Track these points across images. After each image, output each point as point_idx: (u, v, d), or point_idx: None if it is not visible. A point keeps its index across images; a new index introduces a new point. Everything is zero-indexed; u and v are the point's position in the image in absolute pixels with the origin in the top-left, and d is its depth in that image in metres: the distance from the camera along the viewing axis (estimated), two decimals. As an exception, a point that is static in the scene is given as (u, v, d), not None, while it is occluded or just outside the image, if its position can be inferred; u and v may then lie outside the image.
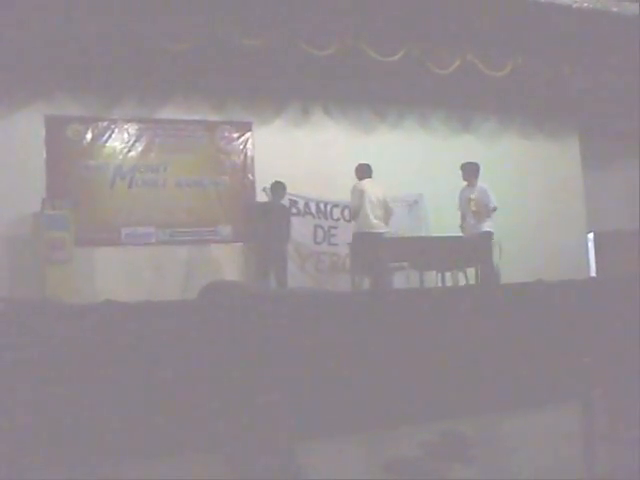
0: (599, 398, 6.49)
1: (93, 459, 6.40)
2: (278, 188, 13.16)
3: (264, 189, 13.44)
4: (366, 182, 12.58)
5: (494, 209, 12.46)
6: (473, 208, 12.49)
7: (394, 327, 8.07)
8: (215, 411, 6.95)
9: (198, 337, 7.38)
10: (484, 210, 12.36)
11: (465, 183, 12.94)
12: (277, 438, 6.32)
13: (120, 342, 7.10)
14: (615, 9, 12.40)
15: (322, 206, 14.36)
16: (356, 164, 12.79)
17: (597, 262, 16.14)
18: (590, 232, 16.28)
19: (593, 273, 15.95)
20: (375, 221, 12.28)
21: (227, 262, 13.49)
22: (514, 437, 6.97)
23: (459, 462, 6.11)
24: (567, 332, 8.92)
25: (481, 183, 12.69)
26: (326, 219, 14.34)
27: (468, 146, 15.65)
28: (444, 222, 14.21)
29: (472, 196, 12.55)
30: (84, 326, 7.12)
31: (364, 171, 12.75)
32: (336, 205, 14.38)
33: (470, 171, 12.83)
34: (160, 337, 7.26)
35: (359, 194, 12.38)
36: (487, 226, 12.46)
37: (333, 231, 14.37)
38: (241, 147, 14.08)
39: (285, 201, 13.68)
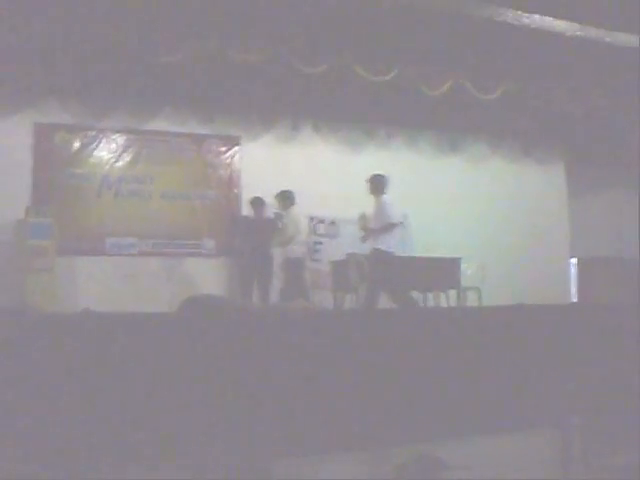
0: (578, 424, 6.50)
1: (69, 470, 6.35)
2: (258, 203, 13.17)
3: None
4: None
5: (393, 225, 11.81)
6: (369, 224, 12.01)
7: (371, 347, 8.04)
8: (190, 427, 6.90)
9: (176, 350, 7.33)
10: (379, 226, 11.78)
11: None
12: (254, 456, 6.29)
13: (98, 353, 7.04)
14: (607, 39, 12.43)
15: (308, 221, 14.31)
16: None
17: (579, 288, 16.17)
18: (574, 258, 16.32)
19: (575, 299, 15.99)
20: None
21: (210, 276, 13.43)
22: (491, 461, 6.94)
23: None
24: (548, 357, 8.91)
25: (386, 197, 11.95)
26: (311, 235, 14.29)
27: (456, 168, 15.73)
28: (430, 243, 14.24)
29: (370, 211, 12.06)
30: (62, 335, 7.06)
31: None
32: (321, 221, 14.38)
33: (374, 184, 12.06)
34: (138, 349, 7.21)
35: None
36: (382, 243, 11.69)
37: (318, 247, 14.33)
38: (228, 161, 14.05)
39: (271, 215, 13.65)
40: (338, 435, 7.43)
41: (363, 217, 12.02)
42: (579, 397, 7.76)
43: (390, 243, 11.75)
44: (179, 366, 7.17)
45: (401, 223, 12.35)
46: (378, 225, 11.74)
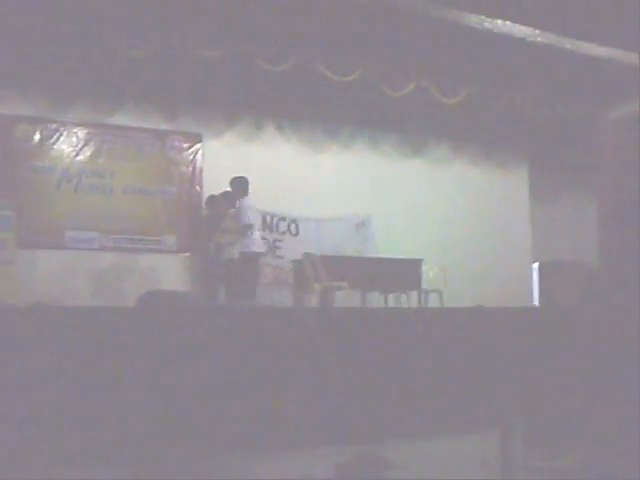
0: (519, 426, 6.54)
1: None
2: (213, 201, 13.35)
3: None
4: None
5: (247, 227, 12.25)
6: (229, 226, 12.49)
7: (320, 346, 8.06)
8: (137, 422, 6.90)
9: (131, 345, 7.32)
10: (237, 228, 12.25)
11: None
12: (192, 451, 6.30)
13: (49, 346, 7.02)
14: (568, 46, 12.52)
15: (268, 219, 14.29)
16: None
17: (540, 291, 16.25)
18: (535, 262, 16.40)
19: (536, 302, 16.07)
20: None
21: (171, 272, 13.41)
22: (432, 462, 6.97)
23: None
24: (498, 360, 8.95)
25: (246, 199, 12.47)
26: (271, 232, 14.29)
27: (418, 170, 15.78)
28: (392, 244, 14.30)
29: (230, 213, 12.58)
30: (14, 328, 7.04)
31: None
32: (283, 218, 14.38)
33: (235, 187, 12.64)
34: (91, 343, 7.20)
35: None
36: (244, 246, 12.28)
37: (278, 244, 14.33)
38: (190, 158, 14.00)
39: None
40: (276, 432, 7.46)
41: (229, 219, 12.50)
42: (520, 398, 7.82)
43: (248, 244, 12.24)
44: (135, 361, 7.18)
45: (252, 226, 12.37)
46: (238, 227, 12.22)
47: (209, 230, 13.11)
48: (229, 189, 12.80)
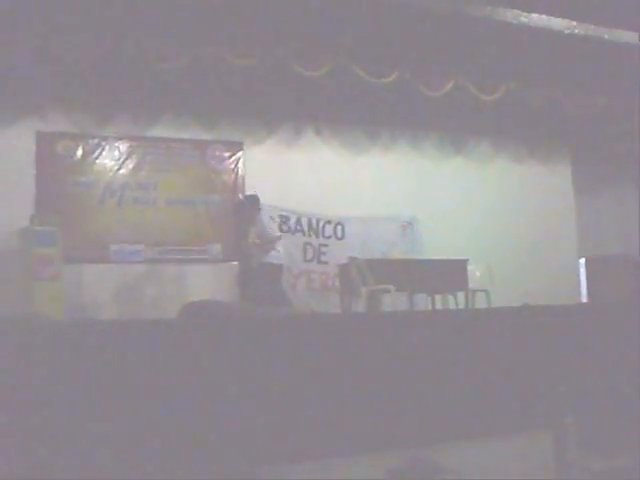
0: (572, 427, 6.46)
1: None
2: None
3: None
4: None
5: (278, 238, 12.45)
6: (256, 240, 12.47)
7: (369, 351, 8.02)
8: (186, 434, 6.91)
9: (177, 357, 7.33)
10: (264, 241, 12.28)
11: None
12: (242, 462, 6.30)
13: (100, 360, 7.06)
14: (606, 36, 12.40)
15: (314, 222, 14.30)
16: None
17: (588, 288, 16.09)
18: (582, 257, 16.25)
19: (584, 299, 15.91)
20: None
21: (216, 281, 13.43)
22: (484, 464, 6.91)
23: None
24: (548, 359, 8.86)
25: (262, 214, 12.68)
26: (317, 237, 14.29)
27: (460, 169, 15.72)
28: (437, 244, 14.23)
29: (253, 229, 12.57)
30: (66, 343, 7.08)
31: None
32: (328, 222, 14.37)
33: (249, 205, 12.80)
34: (140, 356, 7.22)
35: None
36: (272, 257, 12.26)
37: (323, 249, 14.32)
38: (232, 166, 14.04)
39: (276, 218, 13.76)
40: (332, 440, 7.43)
41: (251, 235, 12.49)
42: (574, 398, 7.74)
43: (277, 256, 12.28)
44: (183, 372, 7.19)
45: (280, 237, 12.56)
46: (263, 240, 12.24)
47: (238, 237, 13.16)
48: (253, 193, 12.93)
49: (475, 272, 13.29)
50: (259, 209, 12.50)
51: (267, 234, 12.16)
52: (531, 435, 7.53)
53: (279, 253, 12.22)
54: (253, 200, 12.61)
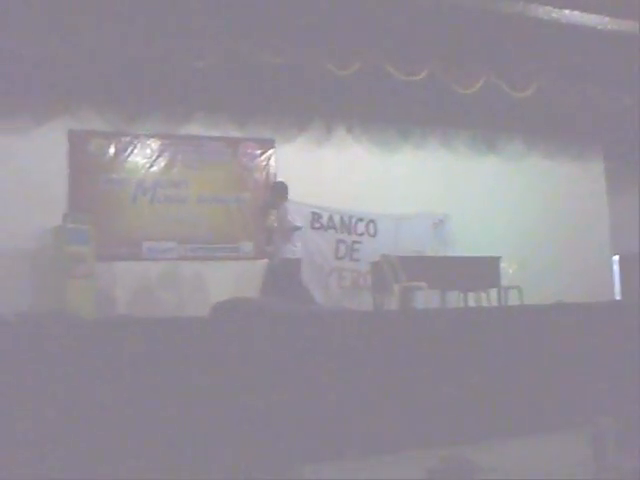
0: (609, 426, 6.40)
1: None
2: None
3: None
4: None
5: (295, 228, 12.00)
6: (274, 224, 12.37)
7: (404, 349, 8.01)
8: (222, 432, 6.92)
9: (212, 354, 7.35)
10: (282, 231, 12.01)
11: None
12: (282, 460, 6.30)
13: (134, 357, 7.09)
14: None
15: (346, 219, 14.24)
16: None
17: (622, 285, 16.04)
18: (615, 254, 16.18)
19: (618, 296, 15.85)
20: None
21: (248, 279, 13.44)
22: (521, 463, 6.86)
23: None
24: (584, 356, 8.81)
25: (287, 204, 12.23)
26: (349, 234, 14.25)
27: (492, 167, 15.68)
28: (469, 241, 14.19)
29: (274, 214, 12.36)
30: (99, 341, 7.12)
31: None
32: (361, 219, 14.31)
33: (275, 191, 12.50)
34: (173, 353, 7.25)
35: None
36: (288, 251, 11.98)
37: (356, 246, 14.27)
38: (263, 164, 14.10)
39: (308, 215, 13.77)
40: (368, 439, 7.42)
41: (270, 219, 12.37)
42: (612, 396, 7.67)
43: (294, 250, 11.98)
44: (216, 369, 7.21)
45: (300, 227, 12.22)
46: (282, 227, 11.99)
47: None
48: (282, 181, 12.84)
49: (508, 269, 13.24)
50: (285, 197, 12.29)
51: (287, 222, 11.91)
52: (568, 434, 7.48)
53: (297, 248, 12.03)
54: (280, 187, 12.48)
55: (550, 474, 6.42)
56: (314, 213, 13.84)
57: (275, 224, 12.35)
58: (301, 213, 13.34)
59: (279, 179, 13.29)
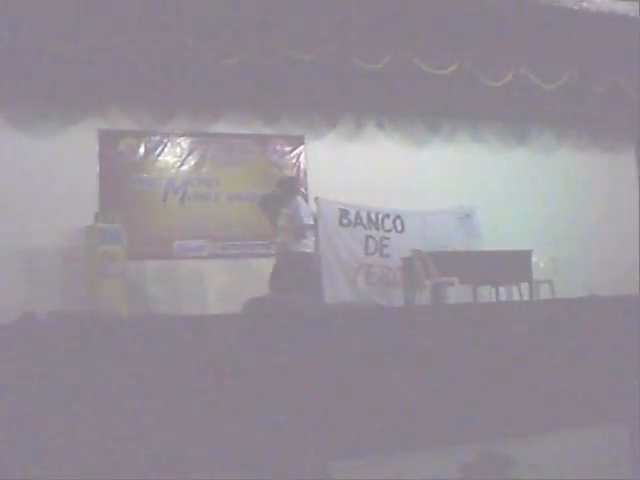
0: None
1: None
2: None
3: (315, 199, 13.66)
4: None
5: (305, 227, 11.65)
6: (287, 224, 11.90)
7: (437, 344, 7.99)
8: (249, 427, 6.93)
9: (244, 351, 7.37)
10: (292, 228, 11.67)
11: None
12: (311, 456, 6.29)
13: (166, 356, 7.11)
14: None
15: (373, 216, 14.23)
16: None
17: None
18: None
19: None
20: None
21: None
22: (557, 459, 6.82)
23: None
24: (619, 350, 8.76)
25: (299, 199, 11.98)
26: (377, 230, 14.23)
27: (523, 160, 15.61)
28: (500, 235, 14.14)
29: (285, 212, 11.94)
30: (134, 338, 7.15)
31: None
32: (387, 215, 14.30)
33: (284, 187, 12.25)
34: (205, 350, 7.27)
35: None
36: (304, 246, 11.65)
37: (385, 242, 14.25)
38: (294, 161, 14.11)
39: (336, 211, 13.81)
40: (403, 435, 7.41)
41: (281, 217, 11.95)
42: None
43: (306, 244, 11.71)
44: (247, 366, 7.22)
45: (312, 225, 11.96)
46: (293, 227, 11.68)
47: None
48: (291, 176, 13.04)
49: (539, 263, 13.18)
50: (296, 193, 12.19)
51: (299, 219, 11.64)
52: (605, 429, 7.44)
53: (309, 242, 11.82)
54: (290, 182, 12.42)
55: (586, 470, 6.38)
56: (342, 210, 13.84)
57: (284, 222, 11.96)
58: (329, 210, 13.55)
59: (310, 175, 13.34)
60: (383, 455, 7.00)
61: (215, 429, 6.90)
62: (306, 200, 13.59)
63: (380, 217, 14.24)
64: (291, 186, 12.21)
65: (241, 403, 7.04)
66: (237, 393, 7.07)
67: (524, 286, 12.77)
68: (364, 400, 7.43)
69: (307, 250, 11.73)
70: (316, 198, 13.60)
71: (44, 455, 6.37)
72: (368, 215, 14.11)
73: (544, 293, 12.74)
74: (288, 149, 14.15)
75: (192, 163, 13.43)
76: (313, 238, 12.04)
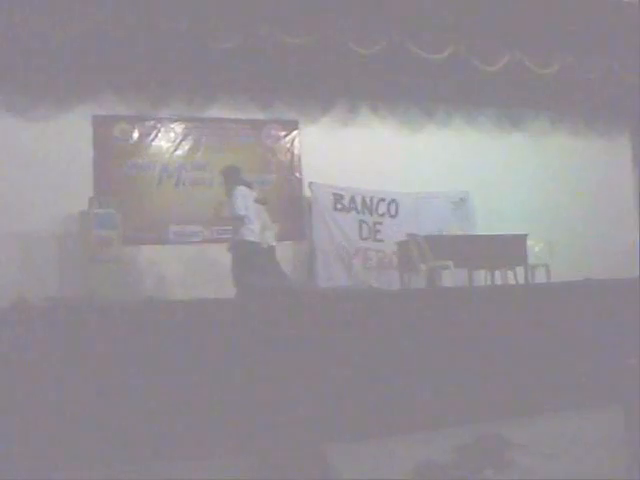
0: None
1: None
2: None
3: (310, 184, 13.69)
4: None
5: (237, 218, 11.24)
6: (220, 214, 12.01)
7: (433, 327, 8.01)
8: (246, 410, 6.96)
9: (238, 335, 7.39)
10: (228, 217, 11.55)
11: None
12: (308, 438, 6.32)
13: (161, 339, 7.13)
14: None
15: (368, 200, 14.28)
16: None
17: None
18: (642, 231, 16.06)
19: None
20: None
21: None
22: (553, 441, 6.84)
23: (494, 467, 6.01)
24: (615, 333, 8.78)
25: (239, 189, 11.37)
26: (371, 214, 14.29)
27: (517, 145, 15.61)
28: (494, 220, 14.16)
29: (222, 201, 11.87)
30: (127, 324, 7.17)
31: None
32: (382, 199, 14.35)
33: (226, 176, 11.81)
34: (199, 334, 7.29)
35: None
36: (245, 234, 11.26)
37: (378, 227, 14.30)
38: (288, 145, 14.11)
39: (330, 196, 13.87)
40: (399, 417, 7.44)
41: (219, 206, 11.97)
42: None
43: (244, 233, 11.30)
44: (247, 349, 7.25)
45: (244, 216, 11.26)
46: (228, 215, 11.50)
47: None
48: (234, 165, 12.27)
49: (534, 247, 13.20)
50: (236, 182, 11.58)
51: (232, 210, 11.30)
52: (600, 411, 7.46)
53: (248, 231, 11.30)
54: (230, 172, 11.89)
55: (581, 451, 6.40)
56: (335, 194, 13.88)
57: (226, 214, 11.72)
58: (323, 195, 13.65)
59: (304, 159, 13.32)
60: (379, 437, 7.02)
61: (213, 413, 6.92)
62: (301, 185, 13.66)
63: (375, 201, 14.28)
64: (231, 175, 11.80)
65: (240, 386, 7.06)
66: (234, 377, 7.09)
67: (519, 270, 12.76)
68: (360, 382, 7.45)
69: (249, 239, 11.33)
70: (310, 183, 13.61)
71: (39, 440, 6.38)
72: (363, 199, 14.15)
73: (540, 277, 12.75)
74: (282, 134, 14.14)
75: (186, 148, 13.46)
76: (252, 227, 11.35)
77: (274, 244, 12.32)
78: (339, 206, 13.95)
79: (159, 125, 13.33)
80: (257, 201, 11.78)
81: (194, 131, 13.54)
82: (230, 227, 11.82)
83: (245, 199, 11.35)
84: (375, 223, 14.26)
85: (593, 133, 16.34)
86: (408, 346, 7.75)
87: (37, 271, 11.87)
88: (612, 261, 14.06)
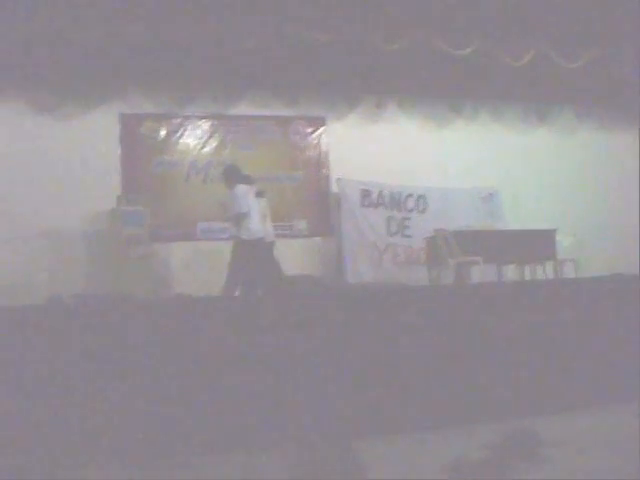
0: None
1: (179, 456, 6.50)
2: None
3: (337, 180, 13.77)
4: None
5: (236, 217, 11.24)
6: (223, 214, 11.90)
7: (463, 322, 8.00)
8: (277, 406, 6.97)
9: (268, 331, 7.40)
10: (230, 215, 11.42)
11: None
12: (338, 434, 6.32)
13: (191, 336, 7.15)
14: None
15: (396, 196, 14.32)
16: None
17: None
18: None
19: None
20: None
21: (302, 257, 13.50)
22: (585, 436, 6.81)
23: (528, 462, 5.98)
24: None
25: (239, 187, 11.37)
26: (399, 210, 14.32)
27: (544, 139, 15.56)
28: (522, 214, 14.14)
29: (222, 201, 11.81)
30: (157, 321, 7.19)
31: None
32: (410, 194, 14.38)
33: (225, 176, 11.79)
34: (231, 330, 7.30)
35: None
36: (244, 233, 11.23)
37: (406, 222, 14.34)
38: (315, 142, 14.17)
39: (358, 192, 13.93)
40: (427, 413, 7.44)
41: (222, 205, 11.83)
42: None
43: (246, 232, 11.26)
44: (271, 346, 7.26)
45: (246, 213, 11.22)
46: (231, 215, 11.44)
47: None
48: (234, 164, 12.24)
49: (563, 242, 13.16)
50: (235, 181, 11.56)
51: (231, 209, 11.36)
52: (633, 407, 7.42)
53: (255, 226, 11.37)
54: (230, 171, 11.86)
55: (613, 447, 6.38)
56: (363, 190, 13.92)
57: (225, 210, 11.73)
58: (351, 190, 13.74)
59: (331, 156, 13.35)
60: (407, 433, 7.02)
61: (242, 407, 6.93)
62: (328, 182, 13.69)
63: (403, 196, 14.32)
64: (231, 175, 11.76)
65: (272, 382, 7.07)
66: (266, 372, 7.10)
67: (548, 265, 12.74)
68: (389, 378, 7.45)
69: (252, 236, 11.31)
70: (338, 179, 13.65)
71: (68, 435, 6.42)
72: (391, 194, 14.19)
73: (568, 272, 12.71)
74: (309, 130, 14.20)
75: (213, 145, 13.55)
76: (251, 225, 11.30)
77: (274, 240, 12.38)
78: (367, 202, 13.98)
79: (186, 122, 13.43)
80: (257, 195, 11.90)
81: (221, 128, 13.62)
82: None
83: (246, 196, 11.42)
84: (403, 219, 14.26)
85: (620, 127, 16.23)
86: (439, 342, 7.74)
87: (67, 269, 11.96)
88: (640, 255, 14.02)
